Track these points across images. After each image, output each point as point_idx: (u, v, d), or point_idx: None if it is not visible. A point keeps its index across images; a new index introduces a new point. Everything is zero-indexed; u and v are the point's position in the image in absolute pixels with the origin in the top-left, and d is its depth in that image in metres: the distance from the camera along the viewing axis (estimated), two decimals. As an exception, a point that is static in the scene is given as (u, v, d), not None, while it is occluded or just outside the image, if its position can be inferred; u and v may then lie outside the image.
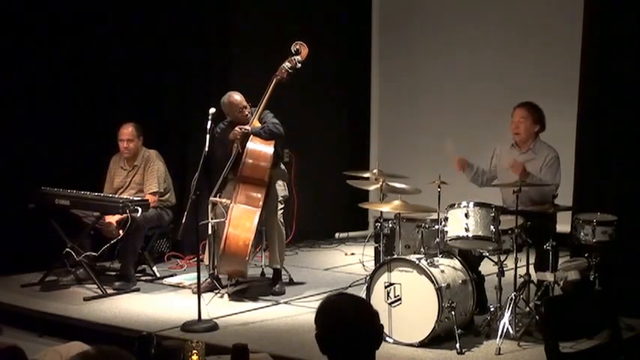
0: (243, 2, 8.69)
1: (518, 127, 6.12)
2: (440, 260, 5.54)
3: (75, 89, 7.76)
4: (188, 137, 8.12)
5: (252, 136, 6.59)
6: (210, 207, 6.45)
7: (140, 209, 6.66)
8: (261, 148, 6.59)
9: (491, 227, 5.44)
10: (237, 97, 6.74)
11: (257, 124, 6.67)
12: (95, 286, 6.73)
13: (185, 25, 8.35)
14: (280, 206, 6.81)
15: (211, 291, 6.58)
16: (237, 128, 6.62)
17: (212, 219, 6.43)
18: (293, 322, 6.00)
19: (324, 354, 2.93)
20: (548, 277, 5.59)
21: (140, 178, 7.27)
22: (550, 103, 7.97)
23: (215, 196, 6.50)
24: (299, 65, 6.77)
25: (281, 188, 6.87)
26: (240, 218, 6.48)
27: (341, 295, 3.21)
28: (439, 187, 5.66)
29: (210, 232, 6.44)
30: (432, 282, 5.29)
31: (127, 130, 7.23)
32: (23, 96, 7.52)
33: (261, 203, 6.54)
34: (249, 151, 6.56)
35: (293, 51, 6.79)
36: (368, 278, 5.68)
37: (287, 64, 6.74)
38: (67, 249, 6.77)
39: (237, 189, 6.58)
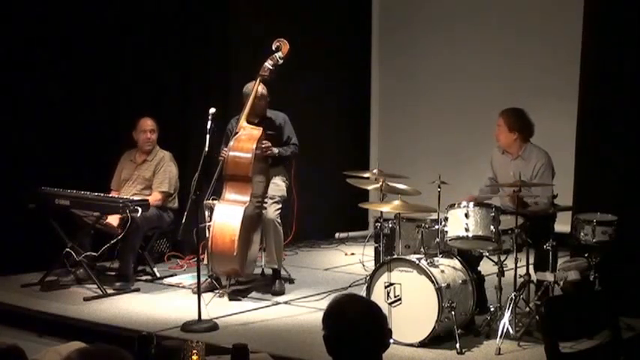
0: (244, 2, 8.68)
1: (497, 135, 6.18)
2: (440, 260, 5.55)
3: (75, 89, 7.75)
4: (188, 137, 8.12)
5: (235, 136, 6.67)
6: (207, 211, 6.45)
7: (140, 209, 6.66)
8: (242, 145, 6.61)
9: (491, 227, 5.44)
10: (246, 88, 6.89)
11: (244, 123, 6.71)
12: (95, 286, 6.72)
13: (186, 24, 8.34)
14: (278, 206, 6.79)
15: (211, 291, 6.58)
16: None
17: (208, 222, 6.44)
18: (293, 322, 6.00)
19: (331, 355, 2.91)
20: (548, 277, 5.59)
21: (149, 175, 7.27)
22: (550, 103, 8.01)
23: (208, 199, 6.51)
24: (281, 61, 6.87)
25: (279, 188, 6.87)
26: (224, 216, 6.47)
27: (349, 296, 3.09)
28: (439, 187, 5.66)
29: (207, 235, 6.43)
30: (432, 282, 5.29)
31: (150, 122, 7.33)
32: (23, 96, 7.51)
33: (246, 199, 6.53)
34: (231, 148, 6.60)
35: (274, 48, 6.89)
36: (368, 278, 5.69)
37: (269, 62, 6.84)
38: (67, 249, 6.77)
39: (224, 188, 6.60)
